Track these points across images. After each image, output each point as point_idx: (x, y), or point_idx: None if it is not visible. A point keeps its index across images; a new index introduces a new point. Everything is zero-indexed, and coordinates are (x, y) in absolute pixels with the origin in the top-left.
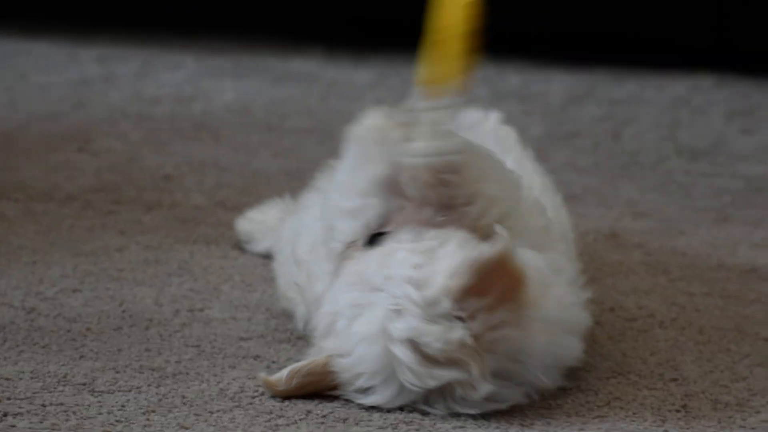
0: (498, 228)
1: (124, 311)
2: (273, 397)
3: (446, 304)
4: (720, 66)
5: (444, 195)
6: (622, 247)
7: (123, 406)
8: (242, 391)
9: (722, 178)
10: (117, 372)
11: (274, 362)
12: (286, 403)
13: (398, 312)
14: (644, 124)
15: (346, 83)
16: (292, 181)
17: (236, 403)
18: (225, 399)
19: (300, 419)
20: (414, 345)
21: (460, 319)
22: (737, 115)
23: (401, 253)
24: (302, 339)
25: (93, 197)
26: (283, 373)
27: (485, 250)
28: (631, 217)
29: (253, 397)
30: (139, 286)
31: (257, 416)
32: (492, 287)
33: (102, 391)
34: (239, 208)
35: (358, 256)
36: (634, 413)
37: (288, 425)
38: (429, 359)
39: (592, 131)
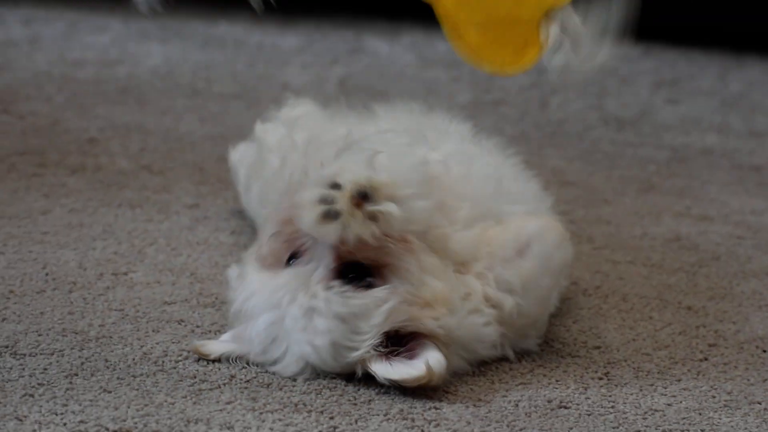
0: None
1: (47, 274)
2: (197, 360)
3: None
4: (647, 36)
5: None
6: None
7: (45, 369)
8: (166, 356)
9: (647, 148)
10: (39, 335)
11: (198, 326)
12: (210, 367)
13: None
14: (571, 93)
15: (273, 48)
16: (218, 145)
17: (159, 367)
18: (148, 363)
19: (223, 384)
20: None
21: None
22: (663, 85)
23: None
24: (226, 304)
25: (17, 160)
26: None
27: None
28: (557, 186)
29: (177, 362)
30: (62, 249)
31: (180, 380)
32: None
33: (24, 354)
34: (164, 173)
35: None
36: (557, 380)
37: (211, 390)
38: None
39: (520, 99)
